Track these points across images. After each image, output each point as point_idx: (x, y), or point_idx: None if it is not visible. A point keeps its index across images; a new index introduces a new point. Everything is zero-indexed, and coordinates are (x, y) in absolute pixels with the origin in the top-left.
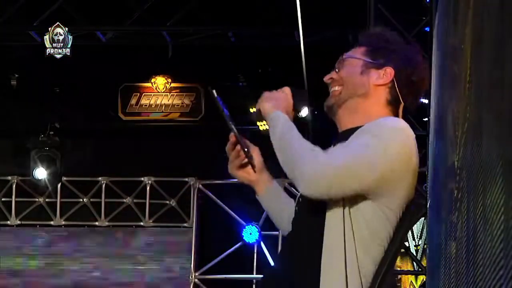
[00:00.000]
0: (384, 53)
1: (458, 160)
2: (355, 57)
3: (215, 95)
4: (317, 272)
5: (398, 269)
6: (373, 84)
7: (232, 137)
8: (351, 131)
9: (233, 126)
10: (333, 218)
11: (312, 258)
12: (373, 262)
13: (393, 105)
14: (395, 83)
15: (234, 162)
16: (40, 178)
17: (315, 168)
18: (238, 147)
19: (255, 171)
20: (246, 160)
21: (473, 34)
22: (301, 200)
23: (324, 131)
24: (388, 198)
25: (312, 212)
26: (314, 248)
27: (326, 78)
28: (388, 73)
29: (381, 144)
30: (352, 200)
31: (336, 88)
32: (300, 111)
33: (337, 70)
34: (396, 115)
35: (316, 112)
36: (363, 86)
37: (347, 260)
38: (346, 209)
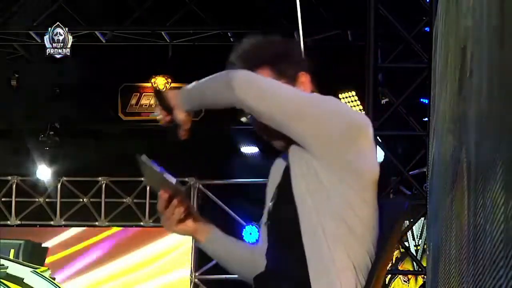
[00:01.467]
0: (283, 61)
1: (458, 160)
2: None
3: (144, 160)
4: (302, 260)
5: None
6: None
7: (164, 194)
8: None
9: (171, 181)
10: (304, 209)
11: (295, 249)
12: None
13: None
14: (310, 83)
15: (171, 218)
16: (40, 178)
17: (241, 73)
18: (175, 202)
19: (196, 221)
20: (183, 214)
21: (473, 34)
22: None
23: None
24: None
25: (285, 209)
26: (294, 240)
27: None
28: (303, 79)
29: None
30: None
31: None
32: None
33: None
34: None
35: None
36: None
37: (328, 241)
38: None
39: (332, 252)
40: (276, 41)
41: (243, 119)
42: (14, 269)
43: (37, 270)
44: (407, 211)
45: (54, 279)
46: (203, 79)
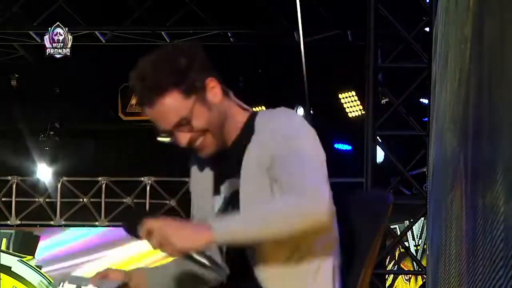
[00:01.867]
0: (188, 77)
1: (458, 161)
2: (186, 106)
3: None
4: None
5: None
6: (217, 104)
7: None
8: (239, 145)
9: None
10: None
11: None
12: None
13: (231, 100)
14: (218, 84)
15: None
16: (40, 178)
17: (309, 202)
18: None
19: None
20: None
21: (473, 34)
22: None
23: (319, 130)
24: None
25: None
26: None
27: (184, 143)
28: (212, 85)
29: (305, 141)
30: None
31: (201, 139)
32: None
33: (189, 129)
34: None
35: (312, 112)
36: (218, 114)
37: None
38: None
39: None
40: (173, 55)
41: (161, 139)
42: (3, 258)
43: (24, 259)
44: (390, 205)
45: (40, 268)
46: (247, 216)
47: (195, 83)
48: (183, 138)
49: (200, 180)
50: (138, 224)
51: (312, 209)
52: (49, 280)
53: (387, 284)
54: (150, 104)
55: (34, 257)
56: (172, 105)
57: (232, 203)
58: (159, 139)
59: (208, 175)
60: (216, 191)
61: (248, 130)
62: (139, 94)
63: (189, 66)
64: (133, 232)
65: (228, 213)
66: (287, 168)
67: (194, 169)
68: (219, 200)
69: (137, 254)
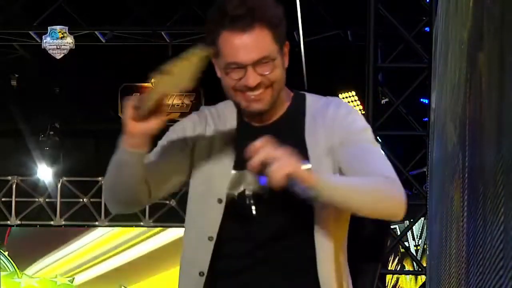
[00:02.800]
0: (282, 26)
1: (458, 161)
2: (275, 49)
3: None
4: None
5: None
6: (285, 69)
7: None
8: (286, 119)
9: None
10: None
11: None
12: None
13: None
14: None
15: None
16: (40, 178)
17: (396, 188)
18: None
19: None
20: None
21: (472, 34)
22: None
23: None
24: None
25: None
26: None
27: (252, 83)
28: (287, 50)
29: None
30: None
31: (264, 89)
32: None
33: (264, 72)
34: None
35: None
36: (283, 78)
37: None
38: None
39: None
40: (275, 2)
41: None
42: None
43: None
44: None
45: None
46: (345, 178)
47: (283, 36)
48: (255, 78)
49: (219, 136)
50: None
51: (400, 197)
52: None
53: (392, 283)
54: (252, 25)
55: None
56: (267, 39)
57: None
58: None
59: (232, 134)
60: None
61: (296, 110)
62: (252, 8)
63: (283, 18)
64: None
65: (275, 194)
66: (370, 159)
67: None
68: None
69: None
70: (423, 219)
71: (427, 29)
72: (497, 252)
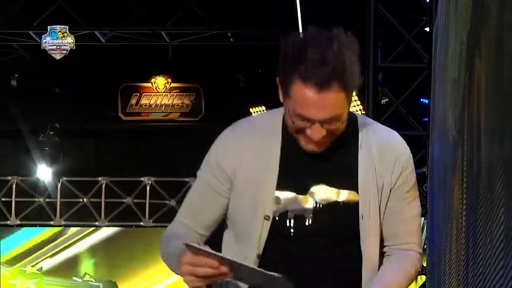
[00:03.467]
0: (358, 85)
1: (458, 161)
2: (347, 107)
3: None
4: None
5: None
6: None
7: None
8: (337, 144)
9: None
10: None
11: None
12: None
13: None
14: None
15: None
16: (40, 178)
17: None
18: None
19: None
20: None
21: (472, 34)
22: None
23: None
24: None
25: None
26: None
27: (317, 138)
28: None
29: None
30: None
31: (323, 138)
32: None
33: (331, 127)
34: None
35: None
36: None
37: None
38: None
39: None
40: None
41: None
42: None
43: None
44: None
45: None
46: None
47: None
48: (320, 132)
49: (263, 159)
50: None
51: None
52: None
53: None
54: (329, 85)
55: None
56: (340, 100)
57: (327, 212)
58: None
59: (275, 160)
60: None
61: (349, 135)
62: (333, 67)
63: (360, 77)
64: None
65: (320, 218)
66: (413, 224)
67: (254, 144)
68: (309, 200)
69: None
70: (423, 219)
71: (427, 29)
72: (497, 252)
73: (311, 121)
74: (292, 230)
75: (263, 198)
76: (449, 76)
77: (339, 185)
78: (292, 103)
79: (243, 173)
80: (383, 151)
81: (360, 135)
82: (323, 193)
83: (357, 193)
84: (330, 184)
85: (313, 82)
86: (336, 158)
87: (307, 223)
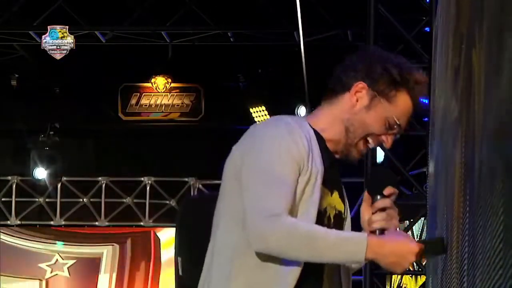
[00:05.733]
0: None
1: (458, 160)
2: None
3: None
4: None
5: None
6: None
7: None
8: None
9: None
10: None
11: None
12: None
13: None
14: None
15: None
16: (40, 178)
17: None
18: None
19: None
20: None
21: (472, 34)
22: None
23: None
24: None
25: None
26: None
27: (388, 146)
28: None
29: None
30: None
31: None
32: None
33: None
34: None
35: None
36: None
37: None
38: None
39: None
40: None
41: None
42: None
43: None
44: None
45: None
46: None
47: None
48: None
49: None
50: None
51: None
52: None
53: (396, 283)
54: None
55: None
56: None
57: (336, 223)
58: None
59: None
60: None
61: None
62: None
63: None
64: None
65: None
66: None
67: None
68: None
69: None
70: (423, 219)
71: (427, 29)
72: (497, 252)
73: (398, 129)
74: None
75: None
76: (449, 76)
77: (341, 197)
78: (394, 110)
79: (308, 170)
80: None
81: None
82: (337, 201)
83: (344, 208)
84: (340, 194)
85: (417, 97)
86: (337, 170)
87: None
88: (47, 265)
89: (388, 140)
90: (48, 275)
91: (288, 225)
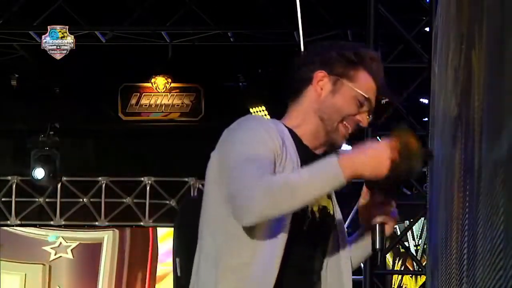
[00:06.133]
0: None
1: (458, 160)
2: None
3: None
4: None
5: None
6: None
7: None
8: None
9: None
10: None
11: None
12: None
13: None
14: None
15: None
16: (39, 178)
17: None
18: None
19: None
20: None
21: (472, 34)
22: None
23: None
24: None
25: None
26: None
27: (365, 124)
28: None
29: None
30: None
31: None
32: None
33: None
34: None
35: None
36: None
37: None
38: None
39: None
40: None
41: None
42: None
43: None
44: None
45: None
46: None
47: None
48: (368, 120)
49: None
50: None
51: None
52: None
53: (397, 283)
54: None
55: None
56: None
57: (323, 219)
58: None
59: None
60: None
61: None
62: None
63: None
64: None
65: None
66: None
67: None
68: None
69: None
70: (423, 219)
71: (427, 29)
72: (497, 252)
73: (369, 105)
74: (304, 227)
75: None
76: (449, 76)
77: (329, 195)
78: (359, 87)
79: (282, 159)
80: None
81: None
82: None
83: (332, 205)
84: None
85: (377, 77)
86: None
87: (317, 220)
88: (51, 248)
89: (363, 119)
90: (52, 257)
91: (263, 187)
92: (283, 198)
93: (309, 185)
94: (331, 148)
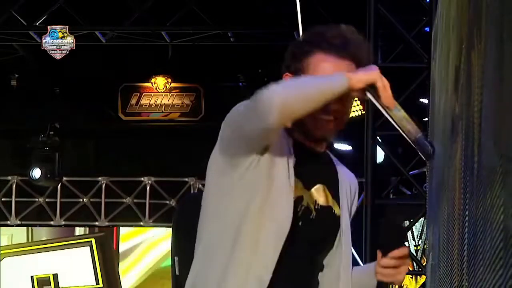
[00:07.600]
0: None
1: (458, 160)
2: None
3: None
4: None
5: None
6: None
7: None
8: (329, 162)
9: None
10: None
11: None
12: None
13: None
14: None
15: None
16: (36, 177)
17: None
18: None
19: None
20: None
21: (472, 34)
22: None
23: None
24: None
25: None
26: None
27: (334, 106)
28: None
29: None
30: None
31: (333, 118)
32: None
33: (343, 101)
34: None
35: None
36: None
37: None
38: None
39: None
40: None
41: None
42: None
43: None
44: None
45: None
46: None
47: None
48: (336, 103)
49: (282, 160)
50: None
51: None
52: None
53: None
54: (344, 57)
55: None
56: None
57: (324, 218)
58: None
59: (288, 160)
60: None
61: (330, 152)
62: (347, 39)
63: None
64: None
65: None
66: None
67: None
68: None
69: None
70: (423, 219)
71: (427, 29)
72: (497, 252)
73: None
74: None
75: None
76: (449, 76)
77: (331, 192)
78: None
79: (270, 155)
80: (350, 179)
81: (334, 160)
82: (321, 194)
83: (339, 207)
84: (328, 189)
85: (332, 52)
86: (326, 164)
87: (311, 217)
88: None
89: (336, 105)
90: None
91: (273, 88)
92: (296, 87)
93: (315, 80)
94: (322, 135)
